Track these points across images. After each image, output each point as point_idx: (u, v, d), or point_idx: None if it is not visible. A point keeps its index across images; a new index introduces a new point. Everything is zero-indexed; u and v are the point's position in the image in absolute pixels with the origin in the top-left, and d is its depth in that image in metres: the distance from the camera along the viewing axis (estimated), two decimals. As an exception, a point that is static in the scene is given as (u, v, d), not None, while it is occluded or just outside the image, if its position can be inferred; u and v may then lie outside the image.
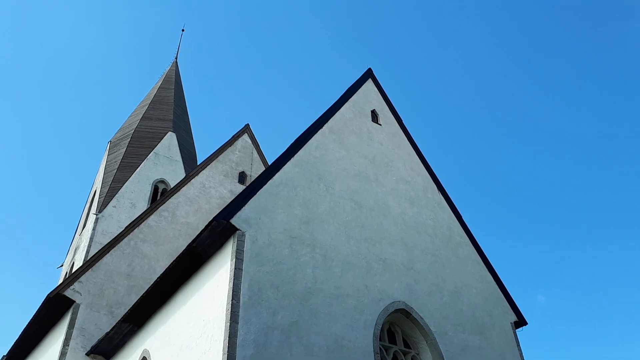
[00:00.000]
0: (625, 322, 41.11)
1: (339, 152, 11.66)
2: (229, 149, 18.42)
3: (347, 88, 13.37)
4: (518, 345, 11.23)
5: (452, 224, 12.48)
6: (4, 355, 14.85)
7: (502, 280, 12.09)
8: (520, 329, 11.76)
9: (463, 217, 12.81)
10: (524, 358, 11.06)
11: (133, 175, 21.46)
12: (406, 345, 9.92)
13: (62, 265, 21.99)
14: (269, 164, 10.93)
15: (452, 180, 50.35)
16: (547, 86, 54.23)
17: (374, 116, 13.47)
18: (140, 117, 24.76)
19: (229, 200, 13.19)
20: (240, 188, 16.77)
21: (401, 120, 13.97)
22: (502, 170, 55.25)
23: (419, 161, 13.34)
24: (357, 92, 13.44)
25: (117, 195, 20.55)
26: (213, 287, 8.62)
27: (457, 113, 60.42)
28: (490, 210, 53.99)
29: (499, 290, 11.92)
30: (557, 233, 49.51)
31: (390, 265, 10.34)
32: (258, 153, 19.10)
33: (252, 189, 9.61)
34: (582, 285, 45.97)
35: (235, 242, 8.58)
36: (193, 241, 9.07)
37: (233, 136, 18.84)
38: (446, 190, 13.16)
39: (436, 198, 12.80)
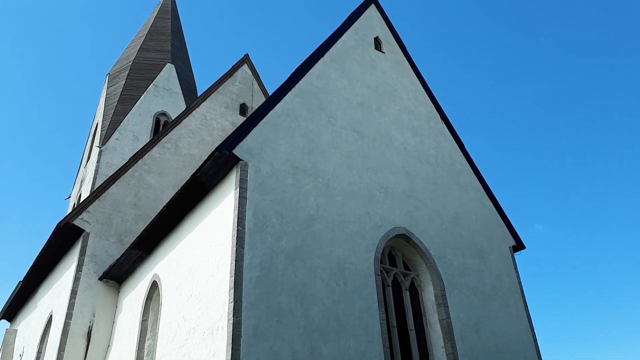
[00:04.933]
0: (619, 256, 42.24)
1: (341, 82, 11.50)
2: (229, 80, 18.16)
3: (349, 14, 12.95)
4: (515, 268, 11.65)
5: (454, 153, 12.54)
6: (20, 281, 15.52)
7: (502, 207, 12.33)
8: (518, 253, 12.16)
9: (465, 146, 12.85)
10: (521, 280, 11.51)
11: (134, 107, 21.36)
12: (406, 268, 10.31)
13: (69, 197, 22.41)
14: (270, 95, 10.82)
15: (455, 109, 49.84)
16: (553, 15, 52.26)
17: (377, 44, 13.14)
18: (138, 48, 24.23)
19: (231, 132, 13.19)
20: (242, 120, 16.73)
21: (405, 48, 13.64)
22: (506, 100, 54.53)
23: (423, 90, 13.17)
24: (359, 19, 13.02)
25: (119, 128, 20.57)
26: (219, 214, 8.83)
27: (461, 41, 58.73)
28: (492, 140, 53.90)
29: (498, 216, 12.18)
30: (557, 163, 49.71)
31: (392, 193, 10.52)
32: (258, 84, 18.85)
33: (253, 119, 9.59)
34: (580, 215, 46.79)
35: (239, 172, 8.69)
36: (197, 171, 9.18)
37: (232, 67, 18.50)
38: (449, 120, 13.10)
39: (439, 127, 12.77)
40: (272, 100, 10.06)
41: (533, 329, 10.91)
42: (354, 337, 8.17)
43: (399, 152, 11.38)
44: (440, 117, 12.97)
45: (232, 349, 7.00)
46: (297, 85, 10.55)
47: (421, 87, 13.18)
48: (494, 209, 12.23)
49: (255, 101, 18.21)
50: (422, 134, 12.23)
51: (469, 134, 47.74)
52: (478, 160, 13.25)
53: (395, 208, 10.33)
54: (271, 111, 9.84)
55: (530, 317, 11.06)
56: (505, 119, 54.92)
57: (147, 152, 14.77)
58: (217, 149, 8.82)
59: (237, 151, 8.82)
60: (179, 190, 9.71)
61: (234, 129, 14.39)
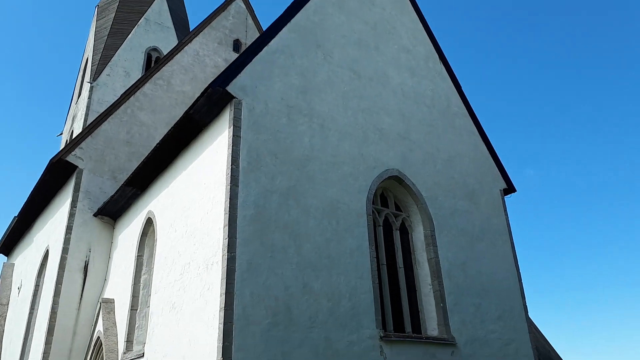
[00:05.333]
0: (609, 202, 42.95)
1: (338, 18, 11.14)
2: (222, 14, 17.57)
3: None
4: (505, 210, 11.85)
5: (450, 95, 12.39)
6: (15, 217, 15.66)
7: (495, 150, 12.37)
8: (508, 196, 12.33)
9: (462, 88, 12.69)
10: (509, 223, 11.75)
11: (125, 42, 20.76)
12: (397, 208, 10.46)
13: (61, 134, 22.20)
14: (264, 30, 10.49)
15: (454, 50, 48.82)
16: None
17: (377, -22, 12.60)
18: (126, -22, 23.14)
19: (224, 69, 12.91)
20: (235, 57, 16.30)
21: (405, -16, 13.11)
22: (505, 43, 53.36)
23: (422, 29, 12.80)
24: (359, -49, 12.41)
25: (110, 63, 20.09)
26: (212, 153, 8.80)
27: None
28: (488, 84, 53.25)
29: (491, 159, 12.24)
30: (550, 109, 49.48)
31: (387, 135, 10.48)
32: (253, 19, 18.25)
33: (247, 55, 9.34)
34: (570, 162, 47.16)
35: (232, 110, 8.57)
36: (190, 108, 9.05)
37: (225, 0, 17.83)
38: (448, 61, 12.84)
39: (437, 68, 12.54)
40: (266, 36, 9.76)
41: (518, 270, 11.26)
42: (345, 273, 8.41)
43: (395, 93, 11.23)
44: (439, 57, 12.70)
45: (226, 282, 7.20)
46: (292, 21, 10.21)
47: (421, 25, 12.80)
48: (487, 152, 12.26)
49: (249, 37, 17.71)
50: (420, 74, 12.02)
51: (466, 76, 47.07)
52: (474, 103, 13.12)
53: (389, 150, 10.33)
54: (265, 47, 9.57)
55: (516, 259, 11.38)
56: (502, 64, 54.02)
57: (139, 89, 14.50)
58: (210, 85, 8.66)
59: (230, 88, 8.66)
60: (172, 127, 9.61)
61: (227, 65, 14.08)
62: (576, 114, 48.12)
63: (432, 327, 9.41)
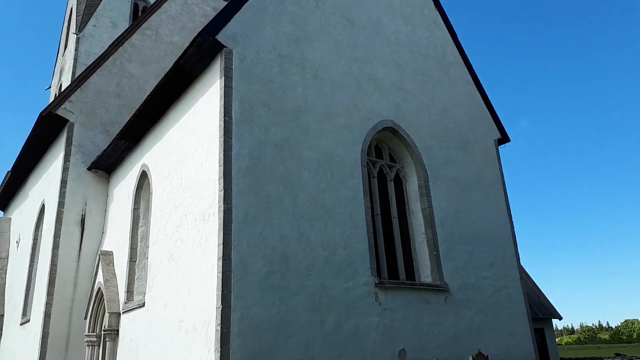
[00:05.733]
0: (602, 156, 43.13)
1: (330, -38, 10.71)
2: (211, -41, 16.84)
3: None
4: (499, 160, 11.91)
5: (446, 43, 12.16)
6: (8, 171, 15.60)
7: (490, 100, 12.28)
8: (502, 145, 12.35)
9: (458, 37, 12.43)
10: (503, 172, 11.84)
11: (109, -10, 19.98)
12: (392, 160, 10.48)
13: (49, 87, 21.76)
14: (255, -25, 10.10)
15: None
16: None
17: None
18: None
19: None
20: (225, 5, 15.80)
21: None
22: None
23: (417, -26, 12.38)
24: None
25: (95, 13, 19.43)
26: (204, 104, 8.69)
27: None
28: (484, 32, 52.21)
29: (486, 109, 12.18)
30: (544, 62, 48.83)
31: (381, 85, 10.35)
32: (243, -35, 17.51)
33: (237, 2, 9.04)
34: (564, 112, 47.05)
35: (223, 60, 8.39)
36: (180, 58, 8.84)
37: (214, -56, 17.05)
38: (443, 8, 12.51)
39: (432, 15, 12.23)
40: (257, -17, 9.41)
41: (511, 219, 11.45)
42: (340, 223, 8.53)
43: (389, 41, 11.00)
44: (435, 4, 12.37)
45: (223, 233, 7.29)
46: (283, -34, 9.82)
47: (416, -30, 12.37)
48: (482, 101, 12.18)
49: (239, -16, 17.07)
50: (415, 22, 11.74)
51: (461, 26, 46.03)
52: (469, 53, 12.88)
53: (383, 100, 10.23)
54: (256, -6, 9.25)
55: (509, 208, 11.55)
56: (499, 16, 52.73)
57: (126, 40, 14.11)
58: (199, 34, 8.43)
59: (220, 37, 8.44)
60: (162, 79, 9.44)
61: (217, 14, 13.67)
62: (571, 67, 47.56)
63: (425, 274, 9.65)
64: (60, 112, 12.52)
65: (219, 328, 6.84)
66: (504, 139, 12.28)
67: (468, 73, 12.24)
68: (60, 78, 19.87)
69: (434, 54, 11.76)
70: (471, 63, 12.39)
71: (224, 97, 8.10)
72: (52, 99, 20.68)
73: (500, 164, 11.89)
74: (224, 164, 7.66)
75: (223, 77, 8.23)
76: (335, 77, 9.64)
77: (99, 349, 10.85)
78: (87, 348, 11.00)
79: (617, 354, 18.55)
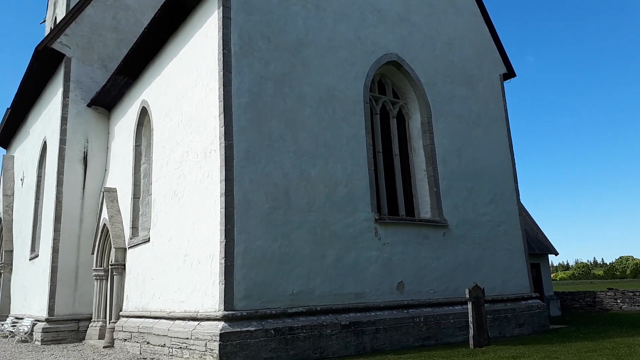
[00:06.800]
0: (608, 95, 42.26)
1: None
2: None
3: None
4: (503, 95, 11.71)
5: (454, -27, 11.59)
6: (8, 108, 15.46)
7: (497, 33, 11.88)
8: (507, 81, 12.10)
9: (467, -35, 11.82)
10: (507, 108, 11.67)
11: None
12: (395, 96, 10.30)
13: (44, 21, 21.10)
14: None
15: None
16: None
17: None
18: None
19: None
20: None
21: None
22: None
23: None
24: None
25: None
26: (202, 36, 8.43)
27: None
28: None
29: (492, 42, 11.82)
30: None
31: (385, 16, 9.98)
32: None
33: None
34: (572, 50, 45.67)
35: (222, -10, 8.03)
36: (176, -12, 8.49)
37: None
38: None
39: (440, -58, 11.58)
40: None
41: (513, 156, 11.41)
42: (341, 160, 8.52)
43: (395, -30, 10.48)
44: None
45: (225, 170, 7.30)
46: None
47: None
48: (489, 34, 11.79)
49: None
50: (422, -51, 11.13)
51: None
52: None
53: (387, 33, 9.90)
54: None
55: (511, 144, 11.48)
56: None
57: (120, -31, 13.49)
58: (196, -38, 8.03)
59: (218, -34, 8.04)
60: (158, 10, 9.11)
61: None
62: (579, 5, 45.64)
63: (425, 210, 9.76)
64: (56, 46, 12.21)
65: (223, 261, 7.01)
66: (509, 74, 12.01)
67: (475, 3, 11.77)
68: (54, 11, 19.21)
69: (441, -16, 11.24)
70: (479, -6, 11.89)
71: (222, 28, 7.84)
72: (47, 32, 20.11)
73: (504, 100, 11.70)
74: (224, 99, 7.53)
75: (221, 7, 7.92)
76: (337, 7, 9.28)
77: (107, 282, 11.21)
78: (95, 281, 11.37)
79: (610, 289, 19.11)
